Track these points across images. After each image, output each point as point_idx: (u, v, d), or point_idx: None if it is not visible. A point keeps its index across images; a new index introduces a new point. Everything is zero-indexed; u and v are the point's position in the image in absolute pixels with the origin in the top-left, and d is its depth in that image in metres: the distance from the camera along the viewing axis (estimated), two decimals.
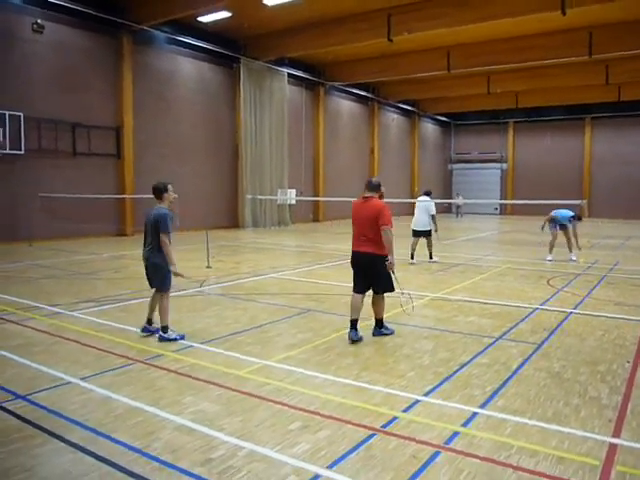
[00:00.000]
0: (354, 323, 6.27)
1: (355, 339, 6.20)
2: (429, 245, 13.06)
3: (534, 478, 3.32)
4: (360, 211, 6.40)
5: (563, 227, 13.23)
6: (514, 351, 5.94)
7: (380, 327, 6.55)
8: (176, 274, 6.29)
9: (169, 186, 6.47)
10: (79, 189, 17.53)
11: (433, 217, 12.95)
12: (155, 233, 6.21)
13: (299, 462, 3.48)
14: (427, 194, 13.73)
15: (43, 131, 16.85)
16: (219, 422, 4.07)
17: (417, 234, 12.98)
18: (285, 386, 4.83)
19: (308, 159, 28.26)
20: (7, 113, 15.62)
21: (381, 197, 6.58)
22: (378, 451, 3.64)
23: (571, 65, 25.07)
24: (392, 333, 6.54)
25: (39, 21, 16.72)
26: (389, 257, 6.16)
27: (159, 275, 6.33)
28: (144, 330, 6.49)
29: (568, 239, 13.32)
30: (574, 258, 13.21)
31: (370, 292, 6.51)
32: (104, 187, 18.62)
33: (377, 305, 6.51)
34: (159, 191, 6.38)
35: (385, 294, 6.49)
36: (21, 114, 15.94)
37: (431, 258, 13.05)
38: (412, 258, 12.77)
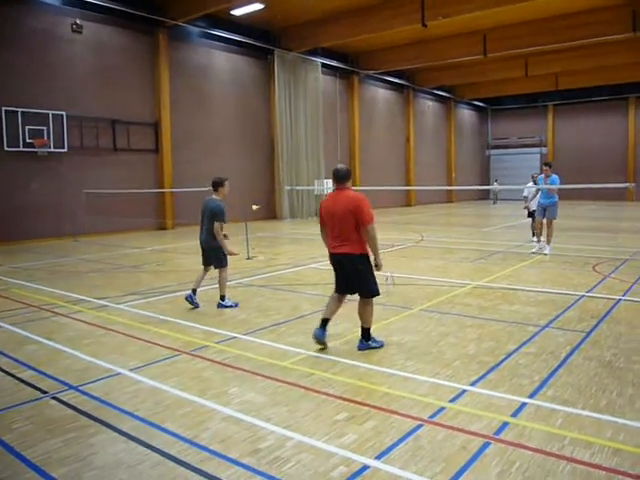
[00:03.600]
0: (324, 322, 5.59)
1: (319, 339, 5.52)
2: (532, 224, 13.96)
3: (590, 470, 3.23)
4: (333, 206, 5.49)
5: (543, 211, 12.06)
6: (562, 339, 5.80)
7: (367, 339, 5.60)
8: (231, 253, 7.47)
9: (226, 182, 7.50)
10: (120, 184, 17.91)
11: (525, 198, 14.31)
12: (211, 221, 7.28)
13: (347, 453, 3.48)
14: (532, 178, 14.46)
15: (85, 129, 17.26)
16: (266, 412, 4.11)
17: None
18: (330, 376, 4.83)
19: (344, 149, 28.18)
20: (50, 113, 16.07)
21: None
22: (426, 442, 3.61)
23: (614, 43, 24.24)
24: (381, 346, 5.60)
25: (78, 21, 17.09)
26: (375, 258, 5.47)
27: (216, 256, 7.44)
28: (188, 298, 7.49)
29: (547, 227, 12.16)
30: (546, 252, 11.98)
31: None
32: (144, 182, 18.97)
33: (363, 311, 5.58)
34: (216, 184, 7.45)
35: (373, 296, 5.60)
36: (64, 113, 16.37)
37: (533, 236, 13.84)
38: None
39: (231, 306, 7.46)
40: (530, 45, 23.64)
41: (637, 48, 24.63)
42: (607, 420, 3.88)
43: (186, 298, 7.52)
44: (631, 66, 28.65)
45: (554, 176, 12.04)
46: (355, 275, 5.51)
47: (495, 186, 31.61)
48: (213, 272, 7.75)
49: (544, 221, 12.16)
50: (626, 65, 28.56)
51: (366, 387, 4.57)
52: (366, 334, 5.61)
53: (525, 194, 14.73)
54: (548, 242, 12.02)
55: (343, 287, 5.68)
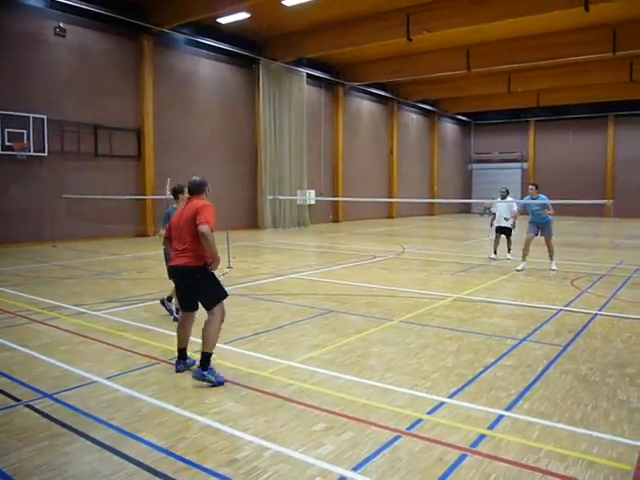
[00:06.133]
0: (181, 352, 5.30)
1: (180, 370, 5.21)
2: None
3: None
4: (179, 218, 5.20)
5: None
6: (539, 353, 5.86)
7: (205, 367, 4.87)
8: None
9: (185, 189, 6.99)
10: (101, 190, 17.74)
11: (493, 215, 14.29)
12: None
13: (324, 464, 3.47)
14: (500, 193, 14.20)
15: (66, 133, 17.08)
16: (243, 422, 4.08)
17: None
18: (308, 387, 4.82)
19: (327, 159, 28.27)
20: (31, 116, 15.87)
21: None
22: (403, 453, 3.62)
23: (594, 62, 24.72)
24: (219, 383, 4.83)
25: (61, 25, 16.95)
26: (212, 261, 5.03)
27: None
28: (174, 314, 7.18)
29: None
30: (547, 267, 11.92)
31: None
32: (125, 188, 18.82)
33: (207, 330, 4.98)
34: (174, 192, 7.26)
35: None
36: (44, 117, 16.18)
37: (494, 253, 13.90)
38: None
39: (170, 310, 7.28)
40: (513, 62, 24.01)
41: (616, 68, 25.13)
42: (582, 433, 3.92)
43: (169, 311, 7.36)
44: (611, 85, 29.20)
45: (542, 196, 11.83)
46: (193, 286, 5.10)
47: (484, 201, 32.02)
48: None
49: (535, 239, 11.83)
50: (606, 84, 29.08)
51: (344, 398, 4.57)
52: (205, 361, 4.91)
53: (493, 210, 14.45)
54: (551, 258, 11.85)
55: (186, 303, 5.29)
